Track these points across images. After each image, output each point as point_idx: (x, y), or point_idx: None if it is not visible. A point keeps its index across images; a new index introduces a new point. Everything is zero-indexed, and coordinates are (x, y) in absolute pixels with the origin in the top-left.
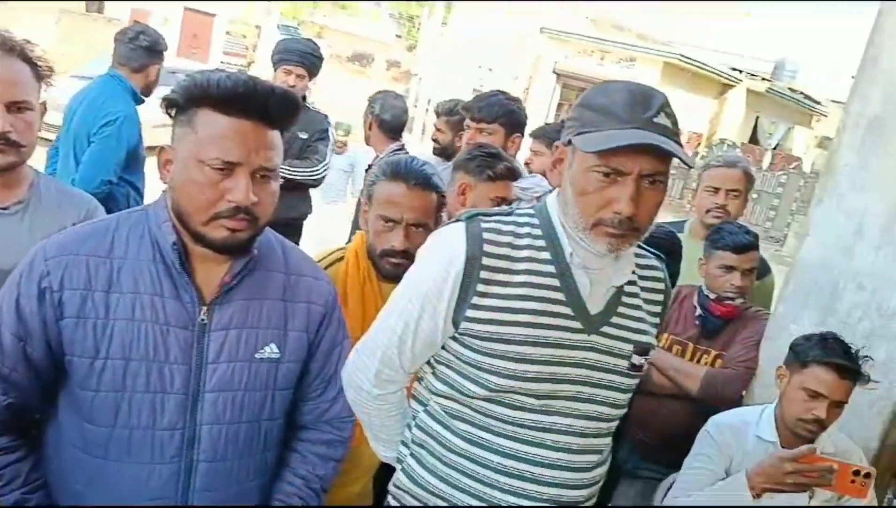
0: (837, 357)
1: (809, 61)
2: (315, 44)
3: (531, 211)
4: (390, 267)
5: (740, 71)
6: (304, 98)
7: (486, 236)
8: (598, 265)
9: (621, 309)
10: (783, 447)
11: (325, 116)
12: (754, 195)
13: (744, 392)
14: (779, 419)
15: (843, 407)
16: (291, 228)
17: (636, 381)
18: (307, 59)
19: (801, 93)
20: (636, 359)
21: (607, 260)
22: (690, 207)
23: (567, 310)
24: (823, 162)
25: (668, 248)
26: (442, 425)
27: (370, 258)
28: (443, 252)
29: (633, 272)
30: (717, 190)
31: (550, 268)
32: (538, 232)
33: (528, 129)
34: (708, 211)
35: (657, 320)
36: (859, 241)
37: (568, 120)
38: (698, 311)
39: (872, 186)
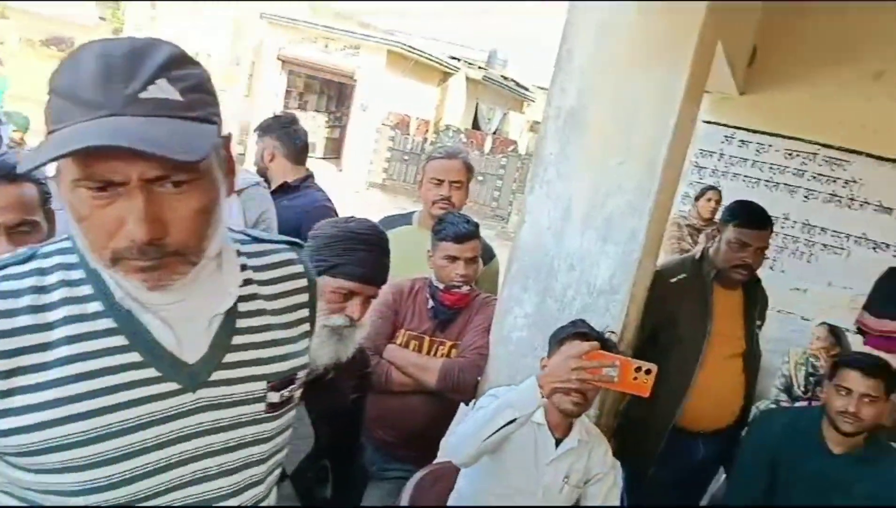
0: (583, 329)
1: (518, 50)
2: None
3: (66, 245)
4: None
5: (458, 60)
6: None
7: None
8: (171, 299)
9: (238, 339)
10: (550, 428)
11: None
12: (479, 178)
13: (479, 378)
14: (545, 402)
15: None
16: None
17: (283, 418)
18: None
19: (513, 80)
20: (274, 396)
21: (189, 289)
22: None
23: (150, 372)
24: (534, 150)
25: (373, 242)
26: None
27: None
28: None
29: (250, 282)
30: (440, 182)
31: (107, 322)
32: (78, 274)
33: (256, 120)
34: (434, 203)
35: (305, 327)
36: (567, 225)
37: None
38: (430, 303)
39: (574, 174)
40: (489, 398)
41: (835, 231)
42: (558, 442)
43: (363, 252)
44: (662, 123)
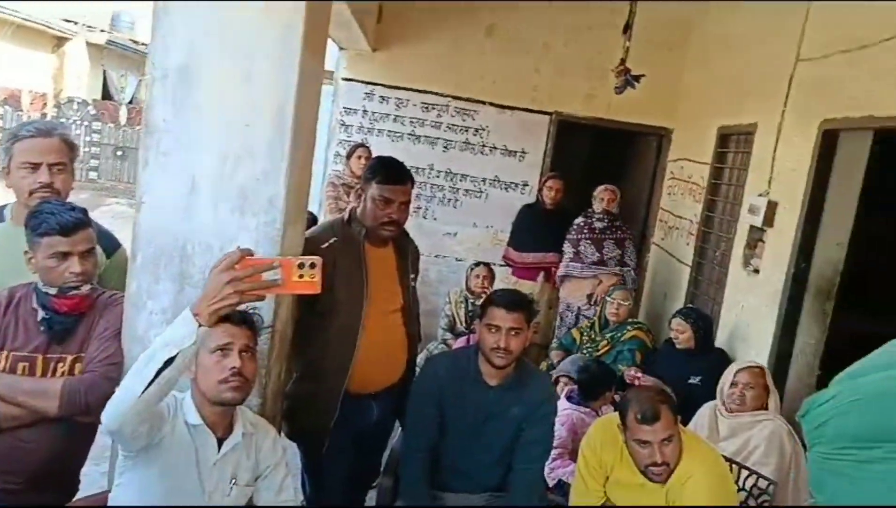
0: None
1: (146, 12)
2: None
3: None
4: None
5: (75, 23)
6: None
7: None
8: None
9: None
10: (209, 426)
11: None
12: (119, 153)
13: (115, 391)
14: (198, 399)
15: (255, 355)
16: None
17: None
18: None
19: (144, 44)
20: None
21: None
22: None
23: None
24: (143, 118)
25: None
26: None
27: None
28: None
29: None
30: (36, 166)
31: None
32: None
33: None
34: (31, 192)
35: None
36: (196, 200)
37: None
38: (41, 314)
39: (195, 142)
40: None
41: (473, 176)
42: (220, 442)
43: None
44: (285, 80)
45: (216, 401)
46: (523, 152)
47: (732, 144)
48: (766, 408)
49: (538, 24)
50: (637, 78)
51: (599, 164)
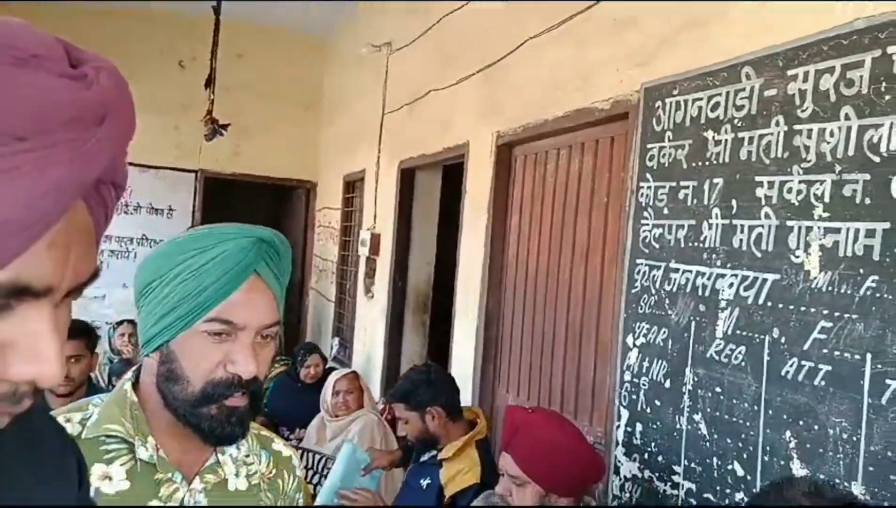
0: None
1: None
2: None
3: None
4: None
5: None
6: None
7: None
8: None
9: None
10: None
11: None
12: None
13: None
14: None
15: None
16: None
17: None
18: None
19: None
20: None
21: None
22: None
23: None
24: None
25: None
26: None
27: None
28: None
29: None
30: None
31: None
32: None
33: None
34: None
35: None
36: None
37: None
38: None
39: None
40: None
41: (118, 236)
42: None
43: None
44: None
45: None
46: (171, 209)
47: (354, 190)
48: (363, 406)
49: (172, 86)
50: (224, 127)
51: (255, 217)
